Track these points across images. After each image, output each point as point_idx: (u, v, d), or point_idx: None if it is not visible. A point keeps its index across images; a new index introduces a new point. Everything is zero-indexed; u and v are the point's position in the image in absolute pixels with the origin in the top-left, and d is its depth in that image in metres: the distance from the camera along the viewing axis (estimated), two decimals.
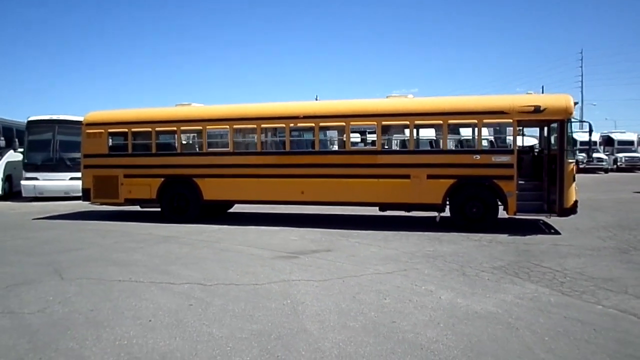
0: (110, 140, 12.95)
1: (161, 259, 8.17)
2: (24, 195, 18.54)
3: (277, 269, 7.46)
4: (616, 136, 34.92)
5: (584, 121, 10.27)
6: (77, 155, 18.50)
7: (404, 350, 4.32)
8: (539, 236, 10.15)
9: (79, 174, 18.25)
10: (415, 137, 11.07)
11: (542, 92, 55.57)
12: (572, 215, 10.33)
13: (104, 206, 14.08)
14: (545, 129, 11.59)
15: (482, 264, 7.79)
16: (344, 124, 11.31)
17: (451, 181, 10.59)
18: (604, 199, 16.27)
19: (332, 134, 13.29)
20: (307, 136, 12.77)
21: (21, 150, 19.13)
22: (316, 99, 61.20)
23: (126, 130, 12.69)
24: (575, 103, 10.10)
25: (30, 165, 18.37)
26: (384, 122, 11.05)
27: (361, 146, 12.21)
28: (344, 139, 11.41)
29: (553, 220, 11.30)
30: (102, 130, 12.83)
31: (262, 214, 14.02)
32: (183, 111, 12.70)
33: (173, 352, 4.22)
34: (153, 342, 4.42)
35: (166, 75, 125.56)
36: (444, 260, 8.08)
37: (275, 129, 12.16)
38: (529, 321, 5.12)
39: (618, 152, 33.09)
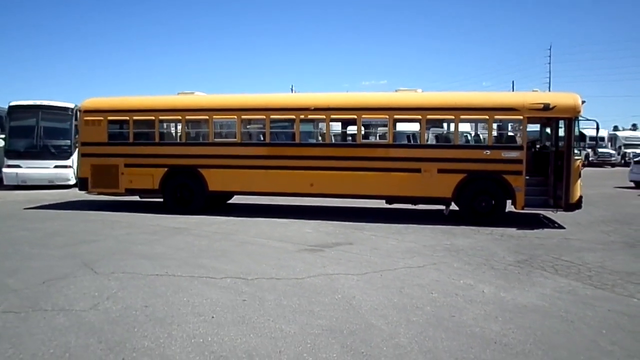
0: (110, 128, 12.50)
1: (185, 251, 8.00)
2: (5, 183, 17.76)
3: (309, 262, 7.44)
4: (588, 132, 36.17)
5: (591, 119, 10.62)
6: (62, 142, 17.97)
7: (480, 345, 4.41)
8: (547, 230, 10.49)
9: (64, 162, 17.77)
10: (426, 132, 11.19)
11: (513, 88, 56.81)
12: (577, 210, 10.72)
13: (96, 196, 13.62)
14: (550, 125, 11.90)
15: (504, 257, 7.99)
16: (355, 116, 11.30)
17: (461, 175, 10.78)
18: (591, 194, 16.82)
19: (337, 126, 13.23)
20: (307, 128, 12.67)
21: (2, 136, 18.28)
22: (292, 90, 59.80)
23: (127, 118, 12.28)
24: (583, 102, 10.41)
25: (12, 152, 17.59)
26: (396, 116, 11.12)
27: (372, 139, 12.20)
28: (355, 132, 11.41)
29: (553, 215, 11.70)
30: (102, 118, 12.37)
31: (263, 205, 13.89)
32: (188, 100, 12.40)
33: (256, 349, 4.16)
34: (229, 340, 4.35)
35: (134, 65, 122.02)
36: (466, 253, 8.25)
37: (284, 120, 12.03)
38: (579, 314, 5.31)
39: (589, 148, 34.34)
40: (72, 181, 18.09)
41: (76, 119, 18.50)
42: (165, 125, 12.61)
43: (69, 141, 18.08)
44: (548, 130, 12.34)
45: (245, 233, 9.79)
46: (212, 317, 4.92)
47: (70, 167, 17.89)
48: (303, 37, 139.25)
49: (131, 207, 13.09)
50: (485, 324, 4.96)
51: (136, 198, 13.29)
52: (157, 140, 12.26)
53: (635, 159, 19.96)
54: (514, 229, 10.42)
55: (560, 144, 10.93)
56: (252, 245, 8.62)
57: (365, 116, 11.35)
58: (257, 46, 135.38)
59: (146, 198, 13.02)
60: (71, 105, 18.33)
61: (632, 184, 19.50)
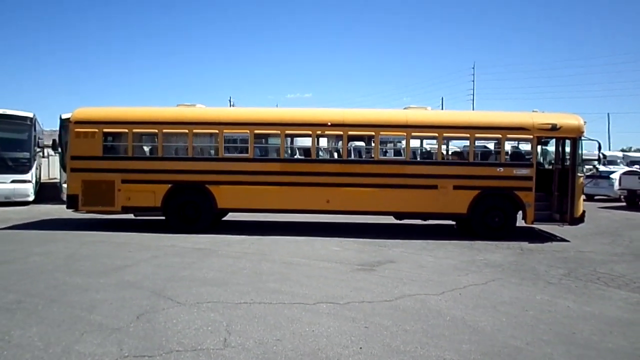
0: (106, 140, 11.52)
1: (241, 276, 7.52)
2: None
3: (377, 283, 7.31)
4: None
5: (594, 139, 11.52)
6: (19, 155, 16.36)
7: None
8: (556, 243, 11.15)
9: (22, 176, 16.15)
10: (443, 149, 11.49)
11: (442, 105, 59.75)
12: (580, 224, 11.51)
13: (71, 214, 12.40)
14: (546, 144, 12.73)
15: (548, 272, 8.37)
16: (373, 133, 11.36)
17: (476, 192, 11.18)
18: None
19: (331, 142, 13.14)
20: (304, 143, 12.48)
21: None
22: (230, 102, 58.56)
23: (126, 130, 11.38)
24: (585, 122, 11.26)
25: None
26: (413, 133, 11.32)
27: (389, 156, 12.29)
28: (372, 149, 11.45)
29: (548, 228, 12.47)
30: (96, 130, 11.36)
31: (261, 222, 13.49)
32: (196, 112, 11.75)
33: None
34: None
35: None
36: (509, 269, 8.53)
37: (300, 135, 11.78)
38: None
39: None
40: (31, 197, 16.43)
41: (35, 130, 16.90)
42: (169, 138, 11.81)
43: (27, 153, 16.41)
44: (542, 148, 13.14)
45: (278, 253, 9.42)
46: (360, 347, 4.68)
47: (29, 181, 16.22)
48: (233, 51, 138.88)
49: (120, 226, 12.15)
50: (609, 338, 5.17)
51: (116, 216, 12.40)
52: (160, 154, 11.48)
53: (587, 174, 21.82)
54: (526, 243, 10.97)
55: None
56: (302, 267, 8.30)
57: (383, 133, 11.44)
58: (195, 58, 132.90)
59: (142, 216, 12.10)
60: (30, 115, 16.66)
61: (583, 196, 21.26)
